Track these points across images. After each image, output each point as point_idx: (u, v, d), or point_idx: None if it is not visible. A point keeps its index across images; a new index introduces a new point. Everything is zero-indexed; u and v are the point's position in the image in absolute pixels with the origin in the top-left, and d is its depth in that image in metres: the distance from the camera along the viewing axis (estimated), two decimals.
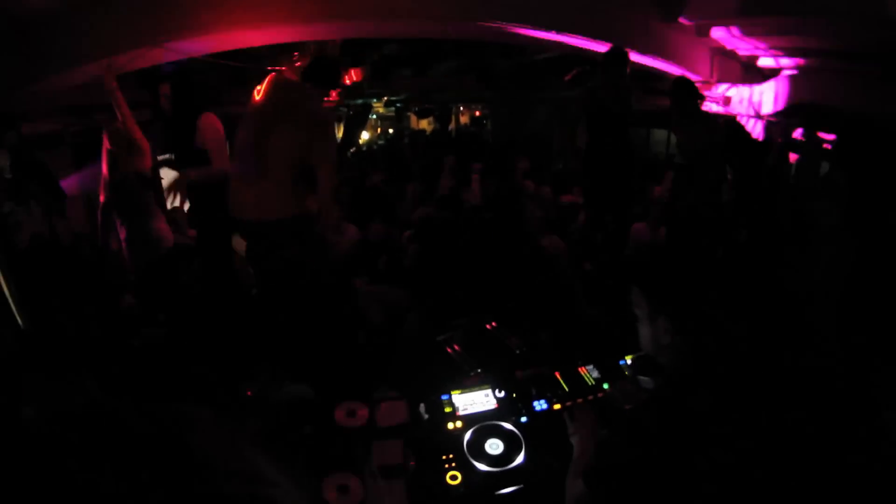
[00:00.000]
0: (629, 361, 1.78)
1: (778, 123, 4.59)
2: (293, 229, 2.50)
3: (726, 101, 5.04)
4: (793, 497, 0.90)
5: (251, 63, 3.53)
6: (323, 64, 2.54)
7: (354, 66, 3.65)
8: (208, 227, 3.34)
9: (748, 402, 1.06)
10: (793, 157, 4.53)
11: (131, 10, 3.03)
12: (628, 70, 3.55)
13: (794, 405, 1.15)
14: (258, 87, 2.53)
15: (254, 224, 2.56)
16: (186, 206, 4.44)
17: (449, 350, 1.97)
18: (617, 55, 3.54)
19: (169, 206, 4.58)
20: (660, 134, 7.24)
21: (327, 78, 2.58)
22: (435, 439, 1.49)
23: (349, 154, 7.58)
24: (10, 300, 2.38)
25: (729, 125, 4.61)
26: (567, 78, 5.90)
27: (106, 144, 3.07)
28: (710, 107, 4.95)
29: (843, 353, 1.90)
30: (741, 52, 4.57)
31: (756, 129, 4.79)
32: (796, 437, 0.99)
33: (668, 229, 3.98)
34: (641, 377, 1.66)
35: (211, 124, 3.12)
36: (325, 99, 3.37)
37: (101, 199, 3.20)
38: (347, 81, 3.33)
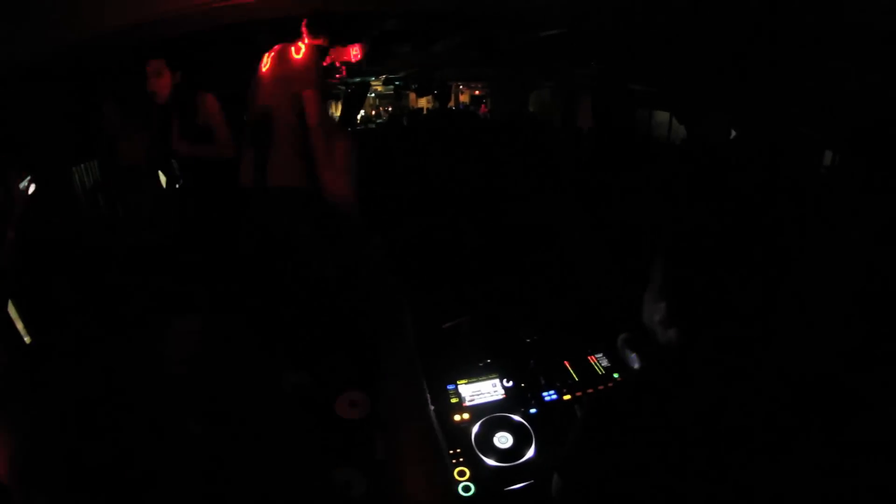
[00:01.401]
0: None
1: None
2: (298, 200, 2.60)
3: None
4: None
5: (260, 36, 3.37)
6: (322, 14, 2.63)
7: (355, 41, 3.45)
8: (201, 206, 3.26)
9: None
10: None
11: None
12: None
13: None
14: (264, 59, 2.68)
15: (262, 192, 2.62)
16: None
17: (455, 337, 1.90)
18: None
19: None
20: (662, 116, 7.03)
21: (325, 26, 2.67)
22: (441, 432, 1.43)
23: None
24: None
25: None
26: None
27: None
28: None
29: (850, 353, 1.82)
30: None
31: None
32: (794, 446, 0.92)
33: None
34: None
35: (214, 102, 3.06)
36: (337, 73, 3.28)
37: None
38: (352, 58, 3.19)
